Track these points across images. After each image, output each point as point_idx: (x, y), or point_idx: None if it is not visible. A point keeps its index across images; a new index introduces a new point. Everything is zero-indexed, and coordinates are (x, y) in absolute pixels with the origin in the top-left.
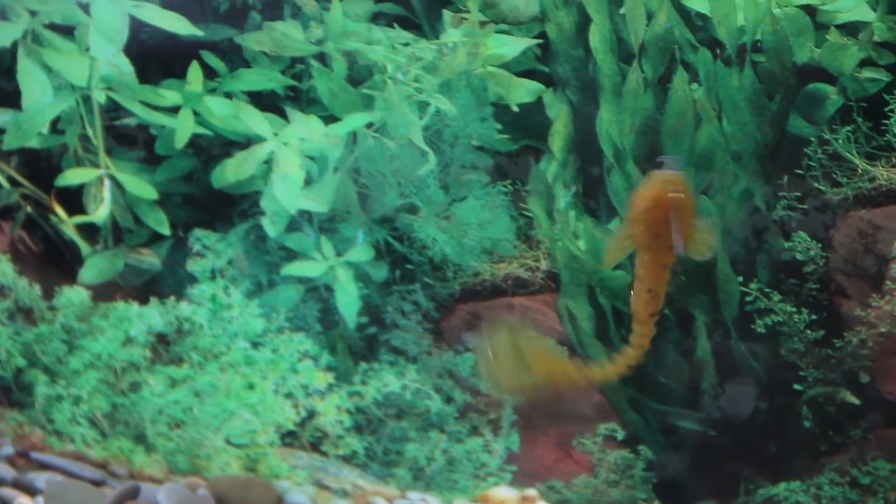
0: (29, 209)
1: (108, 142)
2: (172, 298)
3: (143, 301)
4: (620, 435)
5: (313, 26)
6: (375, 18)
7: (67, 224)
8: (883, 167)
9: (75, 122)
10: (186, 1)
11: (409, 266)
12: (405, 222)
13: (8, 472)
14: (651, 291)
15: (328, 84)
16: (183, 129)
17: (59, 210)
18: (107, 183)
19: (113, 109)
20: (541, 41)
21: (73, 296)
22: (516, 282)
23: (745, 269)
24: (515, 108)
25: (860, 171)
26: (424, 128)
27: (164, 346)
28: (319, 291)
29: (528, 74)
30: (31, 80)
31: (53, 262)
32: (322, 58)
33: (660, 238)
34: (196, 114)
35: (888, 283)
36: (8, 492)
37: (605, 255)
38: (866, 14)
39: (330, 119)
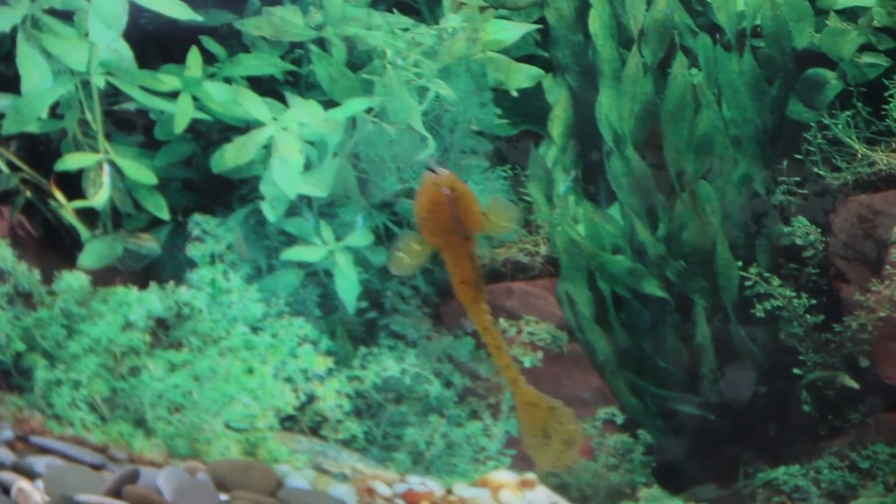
0: (28, 194)
1: (108, 126)
2: (172, 283)
3: (143, 286)
4: (620, 419)
5: (312, 11)
6: (375, 3)
7: (67, 209)
8: (882, 152)
9: (74, 106)
10: None
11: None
12: (404, 207)
13: (7, 456)
14: (465, 282)
15: (327, 69)
16: (182, 114)
17: (59, 195)
18: (106, 168)
19: (112, 94)
20: (540, 26)
21: (73, 280)
22: (516, 266)
23: (745, 253)
24: (515, 93)
25: (860, 155)
26: (424, 113)
27: (163, 330)
28: (319, 276)
29: (528, 59)
30: (30, 64)
31: (53, 246)
32: (321, 43)
33: (451, 234)
34: (195, 99)
35: (888, 267)
36: (7, 476)
37: (394, 263)
38: None
39: (329, 104)
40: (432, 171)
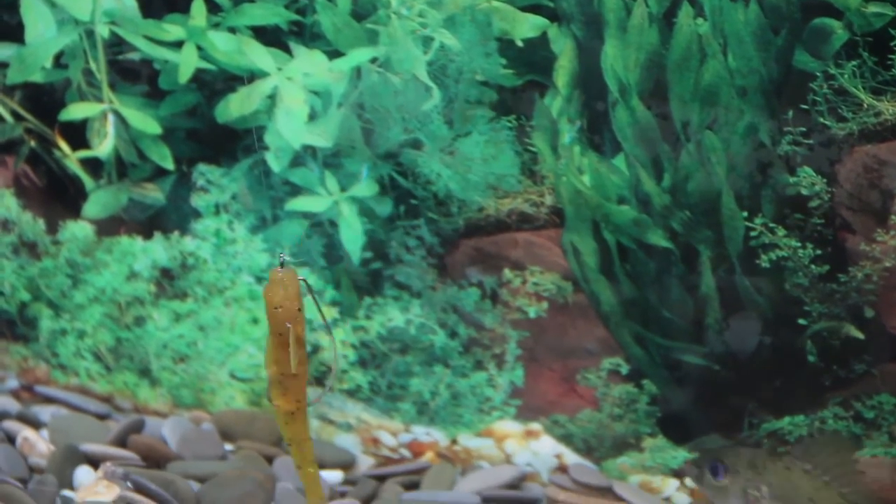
0: (33, 144)
1: (112, 76)
2: (176, 233)
3: (147, 236)
4: (625, 369)
5: None
6: None
7: (71, 158)
8: (888, 102)
9: (79, 56)
10: None
11: (413, 201)
12: (409, 157)
13: (13, 405)
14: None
15: (332, 19)
16: (186, 63)
17: (63, 144)
18: (110, 117)
19: (116, 44)
20: None
21: (78, 230)
22: (521, 217)
23: (750, 203)
24: (520, 43)
25: (866, 105)
26: (429, 63)
27: (168, 280)
28: (324, 226)
29: (533, 9)
30: (34, 14)
31: (57, 196)
32: None
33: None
34: (200, 48)
35: (893, 217)
36: (13, 425)
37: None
38: None
39: (334, 54)
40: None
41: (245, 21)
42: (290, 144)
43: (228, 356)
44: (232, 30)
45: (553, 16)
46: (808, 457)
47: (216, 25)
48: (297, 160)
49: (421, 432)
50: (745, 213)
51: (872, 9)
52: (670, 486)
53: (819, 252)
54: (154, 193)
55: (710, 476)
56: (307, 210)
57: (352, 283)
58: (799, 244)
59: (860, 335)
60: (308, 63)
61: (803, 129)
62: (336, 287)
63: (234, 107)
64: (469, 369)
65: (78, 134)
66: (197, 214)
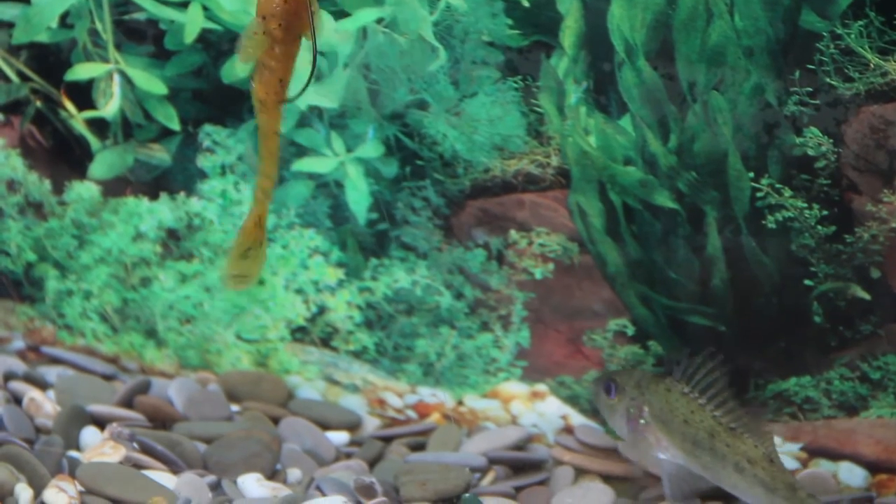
0: (38, 104)
1: (118, 36)
2: (182, 194)
3: (153, 196)
4: (631, 331)
5: None
6: None
7: (77, 119)
8: None
9: (84, 16)
10: None
11: (419, 162)
12: (415, 118)
13: (19, 366)
14: (282, 81)
15: None
16: (192, 23)
17: (69, 105)
18: (116, 78)
19: (122, 4)
20: None
21: (83, 191)
22: (527, 178)
23: (757, 164)
24: (526, 4)
25: (872, 66)
26: (435, 23)
27: (174, 241)
28: (330, 187)
29: None
30: None
31: (63, 156)
32: None
33: (290, 30)
34: (206, 8)
35: None
36: (19, 385)
37: (240, 52)
38: None
39: (340, 14)
40: None
41: None
42: (295, 105)
43: (234, 317)
44: None
45: None
46: (685, 378)
47: None
48: (303, 121)
49: (427, 393)
50: (752, 174)
51: None
52: None
53: (825, 213)
54: (160, 154)
55: (604, 394)
56: (313, 171)
57: (357, 245)
58: (805, 205)
59: (866, 296)
60: None
61: (810, 89)
62: (342, 248)
63: (241, 67)
64: (475, 330)
65: (84, 94)
66: (203, 175)
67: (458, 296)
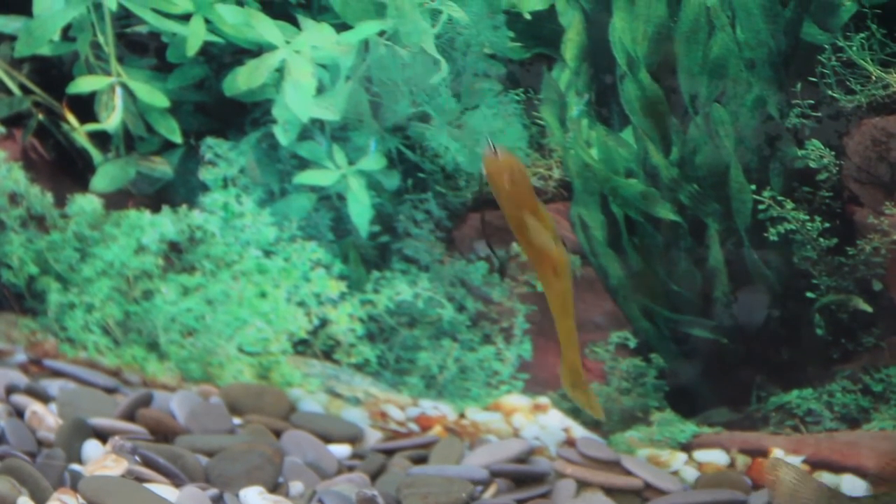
0: (41, 117)
1: (120, 49)
2: (184, 207)
3: (155, 209)
4: (632, 343)
5: None
6: None
7: (79, 132)
8: None
9: (87, 29)
10: None
11: (421, 175)
12: (417, 131)
13: (21, 379)
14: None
15: None
16: (194, 36)
17: (71, 118)
18: (118, 90)
19: (124, 17)
20: None
21: (86, 203)
22: None
23: (758, 176)
24: (528, 16)
25: (874, 78)
26: (436, 36)
27: (176, 254)
28: (332, 200)
29: None
30: None
31: (65, 169)
32: None
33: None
34: (208, 21)
35: None
36: (21, 398)
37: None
38: None
39: (342, 27)
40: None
41: None
42: (297, 118)
43: (237, 330)
44: (240, 3)
45: None
46: None
47: None
48: (305, 133)
49: (429, 406)
50: (754, 186)
51: None
52: (678, 459)
53: (827, 225)
54: (162, 167)
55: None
56: (315, 184)
57: (360, 257)
58: (807, 217)
59: (868, 308)
60: (316, 36)
61: (811, 101)
62: (344, 261)
63: (242, 80)
64: (477, 343)
65: (86, 107)
66: (205, 188)
67: (460, 308)
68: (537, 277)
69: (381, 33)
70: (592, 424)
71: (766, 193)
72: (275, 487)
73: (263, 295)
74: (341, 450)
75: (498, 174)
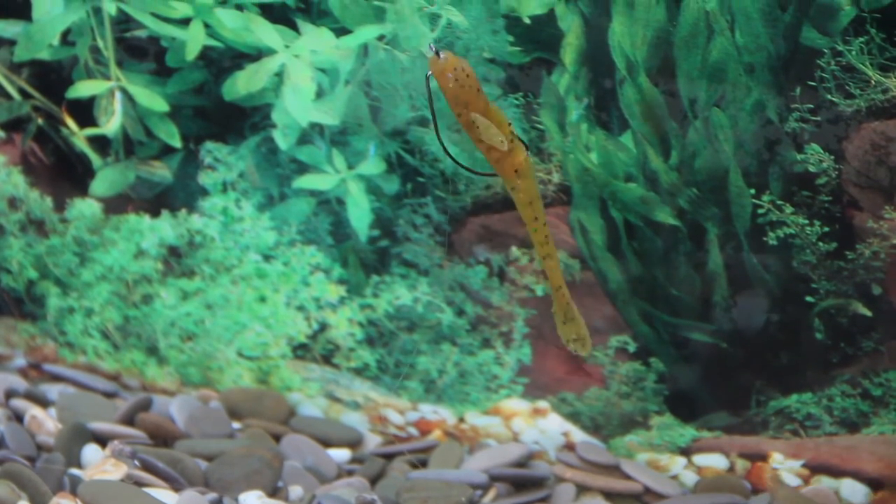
0: (40, 121)
1: (119, 54)
2: (184, 211)
3: (155, 214)
4: (632, 347)
5: None
6: None
7: (79, 136)
8: None
9: (86, 33)
10: None
11: (420, 179)
12: (416, 135)
13: (21, 383)
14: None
15: None
16: (194, 41)
17: (71, 122)
18: (118, 95)
19: (123, 21)
20: None
21: (85, 208)
22: None
23: (758, 181)
24: (527, 20)
25: (873, 82)
26: (436, 40)
27: (175, 258)
28: (331, 204)
29: None
30: None
31: (65, 174)
32: None
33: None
34: (207, 26)
35: None
36: (21, 403)
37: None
38: None
39: (341, 31)
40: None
41: None
42: (297, 122)
43: (236, 334)
44: (239, 7)
45: None
46: None
47: (223, 2)
48: (305, 138)
49: (428, 410)
50: (753, 191)
51: None
52: (678, 464)
53: (827, 229)
54: (161, 171)
55: None
56: (314, 188)
57: (359, 261)
58: (806, 221)
59: (868, 312)
60: (315, 40)
61: (811, 105)
62: (343, 265)
63: (242, 84)
64: (476, 347)
65: (85, 111)
66: (204, 192)
67: (460, 312)
68: (504, 182)
69: (381, 37)
70: (592, 428)
71: (765, 198)
72: (274, 492)
73: (263, 299)
74: (341, 454)
75: (442, 74)
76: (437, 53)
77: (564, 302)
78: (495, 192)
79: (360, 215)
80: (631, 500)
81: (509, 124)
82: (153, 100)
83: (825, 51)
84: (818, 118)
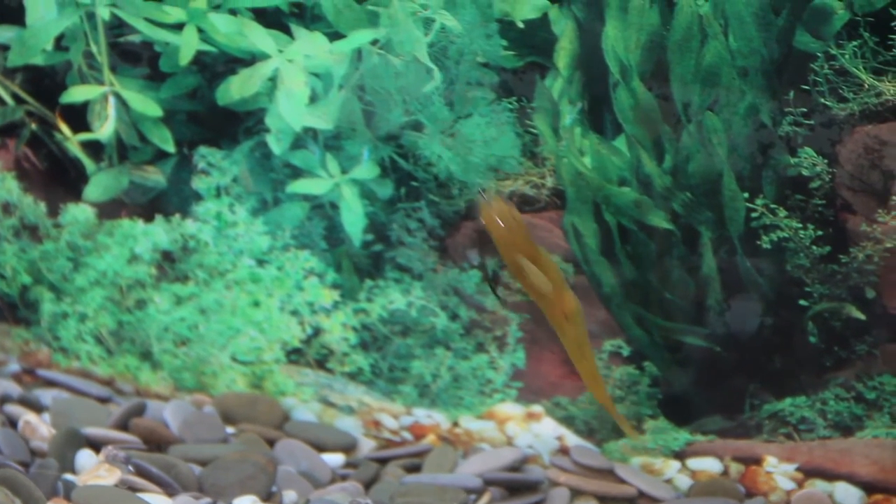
0: (34, 126)
1: (113, 59)
2: (177, 216)
3: (149, 219)
4: (626, 351)
5: None
6: None
7: (72, 141)
8: (889, 82)
9: (79, 39)
10: None
11: (414, 183)
12: (410, 139)
13: (14, 389)
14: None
15: (333, 0)
16: (187, 46)
17: (64, 127)
18: (111, 100)
19: (117, 26)
20: None
21: (79, 213)
22: (522, 199)
23: (751, 184)
24: (521, 25)
25: (867, 86)
26: (429, 44)
27: (169, 263)
28: (325, 209)
29: None
30: None
31: (58, 179)
32: None
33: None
34: (200, 31)
35: (894, 198)
36: (15, 409)
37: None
38: None
39: (335, 36)
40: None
41: (246, 3)
42: (290, 127)
43: (230, 339)
44: (233, 12)
45: None
46: None
47: (217, 7)
48: (298, 142)
49: (422, 415)
50: (747, 194)
51: None
52: (672, 467)
53: (820, 233)
54: (155, 176)
55: None
56: (308, 192)
57: (353, 266)
58: (800, 225)
59: (861, 316)
60: (309, 45)
61: (804, 109)
62: (337, 270)
63: (235, 89)
64: (470, 352)
65: (79, 117)
66: (198, 197)
67: (454, 317)
68: (551, 324)
69: (374, 42)
70: (586, 432)
71: (758, 201)
72: (268, 496)
73: (257, 304)
74: (335, 459)
75: (492, 220)
76: (487, 198)
77: (615, 412)
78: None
79: (353, 220)
80: None
81: (559, 270)
82: (147, 105)
83: (818, 54)
84: (811, 122)
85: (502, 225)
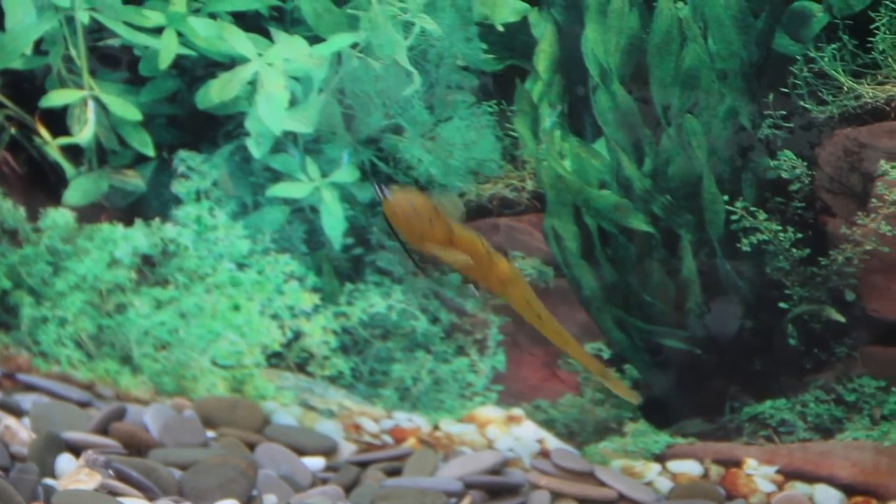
0: (13, 131)
1: (92, 63)
2: (157, 220)
3: (128, 223)
4: (606, 354)
5: None
6: None
7: (52, 145)
8: (868, 85)
9: (59, 42)
10: None
11: (394, 187)
12: (390, 143)
13: None
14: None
15: (312, 4)
16: (167, 49)
17: (44, 131)
18: (91, 104)
19: (96, 30)
20: None
21: (58, 217)
22: (502, 202)
23: (731, 187)
24: (500, 28)
25: (846, 89)
26: (409, 48)
27: (149, 267)
28: (305, 212)
29: None
30: (14, 0)
31: (38, 183)
32: None
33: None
34: (180, 34)
35: (873, 200)
36: None
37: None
38: None
39: (314, 39)
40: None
41: (225, 6)
42: (270, 130)
43: (210, 343)
44: (212, 15)
45: (533, 0)
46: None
47: (196, 11)
48: (278, 146)
49: (403, 418)
50: (726, 197)
51: None
52: (652, 470)
53: (800, 235)
54: (135, 180)
55: None
56: (288, 196)
57: (333, 270)
58: (780, 228)
59: (841, 318)
60: (289, 48)
61: (783, 112)
62: (317, 273)
63: (215, 93)
64: (451, 355)
65: (58, 121)
66: (178, 201)
67: (434, 320)
68: (495, 294)
69: (354, 46)
70: (567, 435)
71: (738, 204)
72: (248, 500)
73: (237, 308)
74: (315, 462)
75: (394, 215)
76: (383, 193)
77: (598, 365)
78: (468, 200)
79: (333, 223)
80: None
81: (482, 241)
82: (126, 109)
83: (798, 57)
84: (791, 124)
85: (404, 219)
